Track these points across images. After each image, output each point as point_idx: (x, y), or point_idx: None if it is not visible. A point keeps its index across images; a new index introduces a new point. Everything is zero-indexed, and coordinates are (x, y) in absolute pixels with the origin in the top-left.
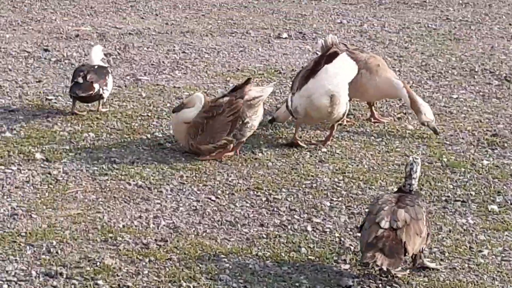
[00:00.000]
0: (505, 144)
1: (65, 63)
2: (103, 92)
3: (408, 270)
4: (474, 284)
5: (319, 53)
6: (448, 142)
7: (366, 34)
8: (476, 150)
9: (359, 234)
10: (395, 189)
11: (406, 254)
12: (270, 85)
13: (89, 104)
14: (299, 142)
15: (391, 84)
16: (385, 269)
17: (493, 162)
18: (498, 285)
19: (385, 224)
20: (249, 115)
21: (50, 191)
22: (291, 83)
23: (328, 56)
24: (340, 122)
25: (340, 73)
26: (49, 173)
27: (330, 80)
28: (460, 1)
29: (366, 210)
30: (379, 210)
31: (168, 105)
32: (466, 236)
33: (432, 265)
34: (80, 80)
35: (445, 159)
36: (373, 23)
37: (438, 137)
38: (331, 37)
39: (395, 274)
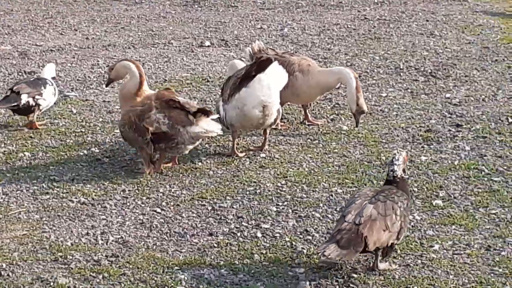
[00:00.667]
0: (440, 139)
1: None
2: (35, 102)
3: (396, 265)
4: (430, 279)
5: (247, 60)
6: (384, 141)
7: (287, 38)
8: (412, 146)
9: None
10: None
11: (367, 248)
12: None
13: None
14: (238, 154)
15: (328, 75)
16: (334, 259)
17: (431, 158)
18: (453, 279)
19: (349, 218)
20: (187, 144)
21: None
22: (220, 90)
23: (259, 64)
24: (272, 126)
25: (272, 83)
26: None
27: (263, 90)
28: (376, 0)
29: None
30: (350, 204)
31: (100, 119)
32: (415, 232)
33: (383, 265)
34: (8, 92)
35: (383, 157)
36: (293, 26)
37: (373, 136)
38: (258, 44)
39: (384, 268)
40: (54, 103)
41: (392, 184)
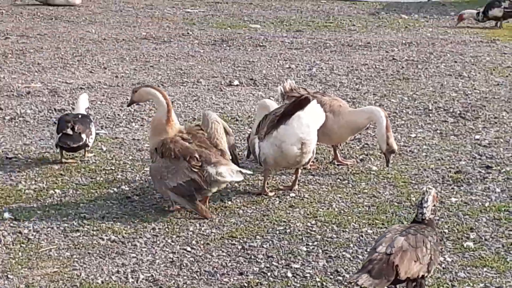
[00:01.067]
0: (470, 181)
1: (19, 120)
2: (88, 141)
3: None
4: None
5: (277, 99)
6: (413, 181)
7: (316, 78)
8: (442, 187)
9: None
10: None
11: (398, 277)
12: (240, 175)
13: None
14: (268, 193)
15: (359, 115)
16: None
17: (461, 199)
18: None
19: (381, 249)
20: (211, 187)
21: (23, 250)
22: (253, 127)
23: (298, 102)
24: (304, 166)
25: (311, 121)
26: (20, 232)
27: (302, 128)
28: (404, 41)
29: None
30: (381, 238)
31: (130, 157)
32: (446, 274)
33: None
34: (69, 131)
35: (413, 198)
36: (321, 66)
37: (403, 176)
38: (289, 83)
39: None
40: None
41: (420, 224)
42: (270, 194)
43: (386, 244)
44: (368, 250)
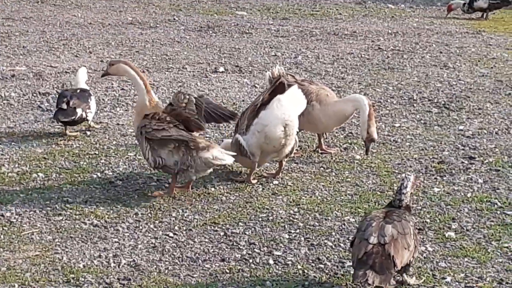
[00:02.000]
0: (453, 171)
1: (3, 103)
2: (86, 115)
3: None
4: None
5: (267, 86)
6: (396, 171)
7: (301, 66)
8: (425, 177)
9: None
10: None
11: (395, 267)
12: (231, 155)
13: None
14: (252, 181)
15: (344, 103)
16: (379, 285)
17: (444, 189)
18: None
19: (373, 240)
20: (198, 169)
21: (5, 233)
22: (234, 127)
23: (276, 88)
24: (289, 156)
25: (291, 103)
26: (2, 215)
27: (283, 109)
28: (390, 31)
29: (356, 226)
30: (367, 227)
31: (114, 142)
32: (427, 263)
33: (412, 280)
34: (64, 106)
35: (396, 188)
36: (307, 54)
37: (386, 166)
38: (278, 69)
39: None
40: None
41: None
42: (253, 181)
43: (376, 233)
44: (352, 237)
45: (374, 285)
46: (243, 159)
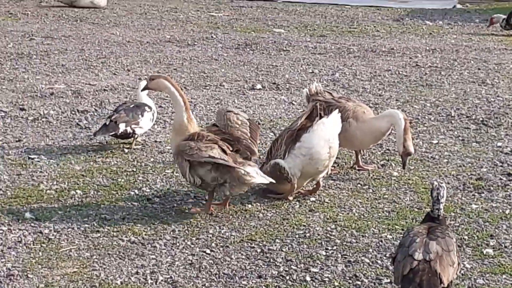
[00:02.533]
0: (491, 188)
1: (42, 121)
2: (133, 130)
3: None
4: None
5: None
6: None
7: (339, 83)
8: (463, 194)
9: (391, 267)
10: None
11: (442, 284)
12: (267, 178)
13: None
14: (289, 198)
15: (380, 120)
16: None
17: (482, 206)
18: None
19: (418, 256)
20: (234, 186)
21: (43, 250)
22: (267, 153)
23: (311, 112)
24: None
25: (334, 127)
26: (41, 232)
27: (327, 131)
28: (427, 48)
29: (398, 242)
30: (411, 242)
31: (152, 159)
32: (465, 280)
33: None
34: (108, 121)
35: (431, 198)
36: (345, 71)
37: (423, 182)
38: (315, 85)
39: None
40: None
41: (434, 221)
42: (290, 198)
43: (421, 249)
44: (393, 253)
45: None
46: (279, 185)
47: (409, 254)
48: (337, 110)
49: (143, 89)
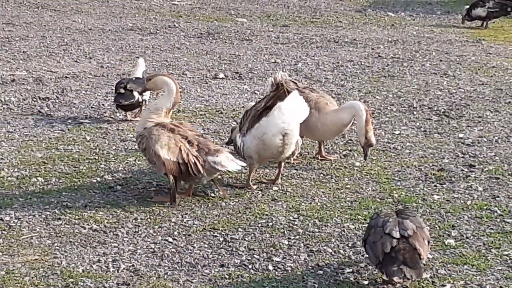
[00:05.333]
0: (453, 179)
1: (3, 108)
2: (143, 99)
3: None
4: None
5: (269, 91)
6: (396, 178)
7: (301, 73)
8: (425, 185)
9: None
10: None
11: (421, 260)
12: (240, 164)
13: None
14: (252, 186)
15: (341, 112)
16: (413, 280)
17: (444, 197)
18: None
19: (396, 234)
20: (205, 175)
21: (4, 237)
22: (238, 123)
23: (278, 94)
24: (288, 160)
25: (292, 111)
26: (1, 219)
27: (284, 118)
28: (390, 39)
29: (367, 225)
30: (385, 223)
31: (114, 147)
32: (426, 271)
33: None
34: (122, 90)
35: (396, 195)
36: (307, 61)
37: (386, 173)
38: (281, 74)
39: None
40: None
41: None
42: (253, 187)
43: (397, 228)
44: (350, 245)
45: (413, 279)
46: None
47: (386, 233)
48: (296, 91)
49: (142, 91)
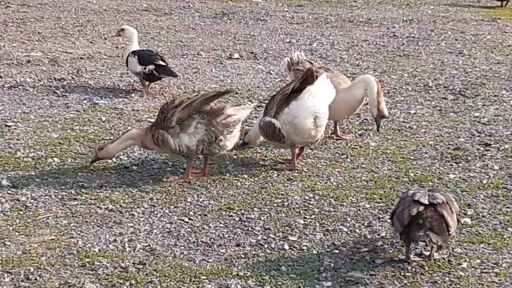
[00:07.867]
0: (468, 158)
1: (19, 89)
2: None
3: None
4: None
5: (284, 70)
6: (412, 157)
7: (316, 53)
8: (440, 164)
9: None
10: (367, 205)
11: (449, 230)
12: (248, 106)
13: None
14: (298, 166)
15: (353, 88)
16: (439, 245)
17: (459, 176)
18: None
19: (424, 201)
20: (224, 134)
21: (20, 217)
22: (264, 108)
23: (306, 77)
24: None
25: (322, 94)
26: (18, 200)
27: (314, 101)
28: (405, 18)
29: (397, 200)
30: (414, 194)
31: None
32: (443, 249)
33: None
34: (163, 63)
35: (411, 174)
36: (322, 41)
37: (401, 152)
38: (297, 54)
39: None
40: None
41: None
42: (298, 166)
43: (426, 197)
44: (365, 224)
45: (438, 244)
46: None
47: (415, 199)
48: (324, 74)
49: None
